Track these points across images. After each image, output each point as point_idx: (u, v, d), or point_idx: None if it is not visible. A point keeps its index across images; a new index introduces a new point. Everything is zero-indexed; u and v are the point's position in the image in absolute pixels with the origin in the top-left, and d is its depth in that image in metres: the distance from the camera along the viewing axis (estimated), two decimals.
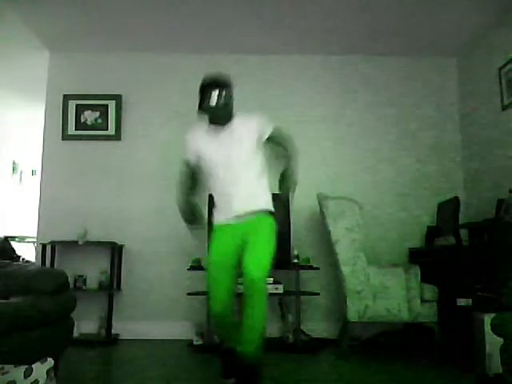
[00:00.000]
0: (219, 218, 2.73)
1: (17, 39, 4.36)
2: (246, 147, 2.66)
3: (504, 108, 3.83)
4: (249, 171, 2.67)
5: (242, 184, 2.64)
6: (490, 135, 4.07)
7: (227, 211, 2.66)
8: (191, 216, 2.74)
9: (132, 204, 4.44)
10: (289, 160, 2.72)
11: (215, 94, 2.59)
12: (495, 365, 2.60)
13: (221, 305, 2.56)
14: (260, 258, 2.47)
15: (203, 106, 2.63)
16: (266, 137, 2.72)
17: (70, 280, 3.12)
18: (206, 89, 2.63)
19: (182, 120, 4.50)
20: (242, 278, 2.47)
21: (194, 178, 2.82)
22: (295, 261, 3.95)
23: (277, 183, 2.68)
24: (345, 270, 3.51)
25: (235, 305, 2.62)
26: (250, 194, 2.66)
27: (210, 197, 2.95)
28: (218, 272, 2.59)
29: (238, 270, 2.60)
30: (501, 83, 3.86)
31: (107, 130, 4.53)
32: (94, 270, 4.27)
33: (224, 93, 2.63)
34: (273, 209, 2.72)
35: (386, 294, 3.45)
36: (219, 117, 2.68)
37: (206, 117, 2.72)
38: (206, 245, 2.76)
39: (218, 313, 2.58)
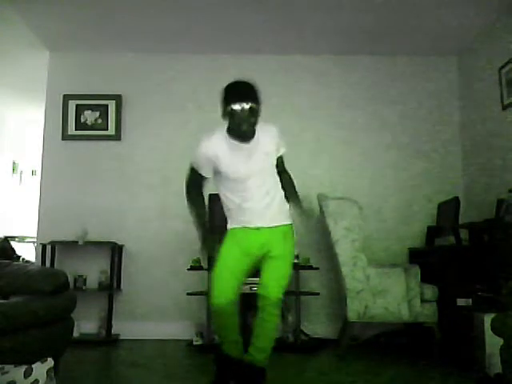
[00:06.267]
0: (236, 225, 2.61)
1: (17, 39, 4.36)
2: (271, 159, 2.58)
3: (504, 108, 3.83)
4: (272, 182, 2.61)
5: (269, 196, 2.57)
6: (490, 135, 4.06)
7: (249, 221, 2.56)
8: (203, 219, 2.66)
9: (132, 204, 4.44)
10: (292, 190, 2.72)
11: (248, 108, 2.36)
12: (495, 365, 2.60)
13: (223, 299, 2.46)
14: (280, 279, 2.56)
15: (234, 121, 2.40)
16: (278, 155, 2.64)
17: (70, 280, 3.11)
18: (238, 98, 2.36)
19: (183, 120, 4.52)
20: (258, 289, 2.57)
21: (201, 185, 2.68)
22: (295, 261, 3.94)
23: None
24: (345, 270, 3.51)
25: (237, 304, 2.56)
26: (275, 206, 2.60)
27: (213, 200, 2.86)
28: (226, 273, 2.51)
29: (246, 275, 2.60)
30: (501, 83, 3.86)
31: (107, 130, 4.53)
32: (94, 270, 4.27)
33: (257, 109, 2.41)
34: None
35: (386, 293, 3.45)
36: (247, 134, 2.47)
37: (226, 125, 2.52)
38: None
39: (218, 305, 2.47)
